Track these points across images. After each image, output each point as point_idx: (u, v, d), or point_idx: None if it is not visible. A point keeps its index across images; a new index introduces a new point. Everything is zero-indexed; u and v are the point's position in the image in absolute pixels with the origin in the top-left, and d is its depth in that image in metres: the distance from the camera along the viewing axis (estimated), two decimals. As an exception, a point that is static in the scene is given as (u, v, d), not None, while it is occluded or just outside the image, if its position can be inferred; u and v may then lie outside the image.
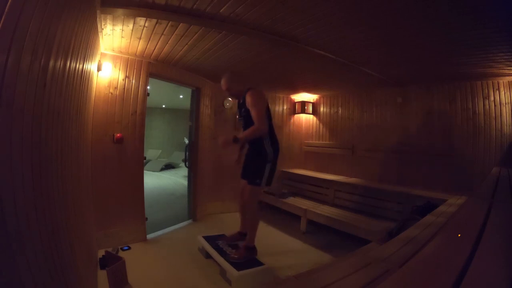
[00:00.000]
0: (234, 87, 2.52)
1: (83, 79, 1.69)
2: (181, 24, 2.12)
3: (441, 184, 3.30)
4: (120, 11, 1.93)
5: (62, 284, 0.97)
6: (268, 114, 2.46)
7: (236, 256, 2.37)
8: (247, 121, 2.43)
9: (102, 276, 2.15)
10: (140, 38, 2.45)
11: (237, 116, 2.66)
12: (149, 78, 3.16)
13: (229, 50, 2.68)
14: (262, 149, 2.44)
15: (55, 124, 0.99)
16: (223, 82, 2.53)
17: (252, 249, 2.49)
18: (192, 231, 3.51)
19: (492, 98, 3.06)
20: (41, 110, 0.81)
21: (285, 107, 5.15)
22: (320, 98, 5.09)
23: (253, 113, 2.32)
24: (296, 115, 5.25)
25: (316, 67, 3.20)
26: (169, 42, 2.55)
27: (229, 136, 2.30)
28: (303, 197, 4.29)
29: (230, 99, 4.39)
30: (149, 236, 3.18)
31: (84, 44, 1.52)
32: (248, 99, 2.37)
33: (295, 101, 5.23)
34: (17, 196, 0.63)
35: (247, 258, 2.38)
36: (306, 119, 5.29)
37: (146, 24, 2.15)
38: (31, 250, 0.70)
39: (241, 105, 2.53)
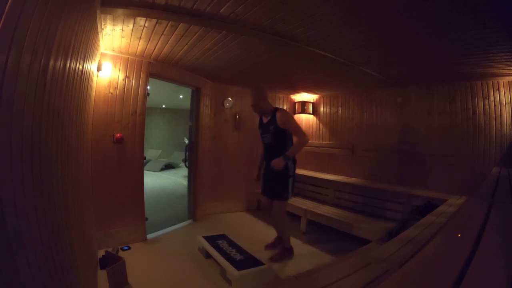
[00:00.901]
0: (262, 104, 2.72)
1: (83, 79, 1.69)
2: (181, 24, 2.12)
3: (441, 184, 3.30)
4: (120, 11, 1.93)
5: (62, 284, 0.97)
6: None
7: (277, 258, 2.67)
8: (276, 137, 2.66)
9: (102, 276, 2.15)
10: (140, 38, 2.45)
11: (261, 134, 2.81)
12: (149, 78, 3.16)
13: (229, 50, 2.68)
14: (284, 165, 2.58)
15: (55, 124, 0.99)
16: (251, 98, 2.74)
17: (289, 250, 2.81)
18: (192, 231, 3.51)
19: (492, 98, 3.06)
20: (41, 110, 0.81)
21: (285, 107, 5.15)
22: (320, 98, 5.09)
23: (292, 129, 2.63)
24: (296, 115, 5.24)
25: (316, 67, 3.20)
26: (169, 42, 2.54)
27: (279, 158, 2.52)
28: (303, 197, 4.29)
29: (230, 99, 4.40)
30: (149, 236, 3.18)
31: (84, 44, 1.52)
32: (282, 118, 2.61)
33: (295, 101, 5.23)
34: (17, 196, 0.63)
35: (287, 258, 2.71)
36: (306, 119, 5.29)
37: (146, 24, 2.15)
38: (31, 250, 0.70)
39: (269, 123, 2.69)
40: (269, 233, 3.07)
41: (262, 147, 2.87)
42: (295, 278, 1.07)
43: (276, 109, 2.70)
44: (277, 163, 2.53)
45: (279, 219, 2.78)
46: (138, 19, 2.05)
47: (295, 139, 2.67)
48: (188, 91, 4.15)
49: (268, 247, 2.93)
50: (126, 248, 2.83)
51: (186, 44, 2.57)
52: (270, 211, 2.82)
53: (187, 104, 4.46)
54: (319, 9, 1.81)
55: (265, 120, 2.75)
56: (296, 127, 2.65)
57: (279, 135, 2.64)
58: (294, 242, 3.28)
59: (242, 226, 3.85)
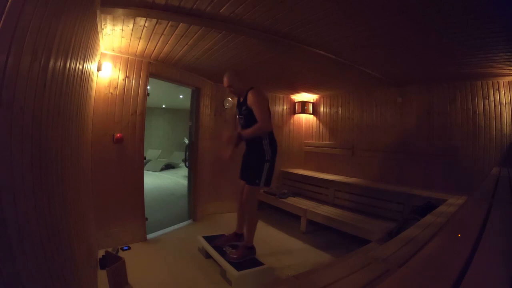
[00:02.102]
0: (236, 84, 2.50)
1: (83, 79, 1.69)
2: (181, 24, 2.12)
3: (441, 184, 3.30)
4: (120, 11, 1.93)
5: (62, 284, 0.97)
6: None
7: (235, 256, 2.37)
8: (248, 119, 2.42)
9: (102, 276, 2.15)
10: (140, 38, 2.45)
11: (237, 115, 2.64)
12: (149, 78, 3.16)
13: (229, 50, 2.68)
14: (261, 148, 2.43)
15: (55, 124, 0.99)
16: (225, 79, 2.52)
17: (251, 249, 2.49)
18: (192, 231, 3.51)
19: (492, 98, 3.06)
20: (41, 110, 0.81)
21: (285, 107, 5.15)
22: (320, 98, 5.09)
23: (256, 112, 2.34)
24: (296, 115, 5.25)
25: (316, 67, 3.20)
26: (169, 42, 2.54)
27: (234, 132, 2.33)
28: (303, 197, 4.29)
29: (230, 99, 4.40)
30: (149, 236, 3.18)
31: (84, 44, 1.52)
32: (251, 98, 2.37)
33: (295, 101, 5.23)
34: (17, 196, 0.63)
35: (246, 258, 2.39)
36: (306, 119, 5.29)
37: (146, 24, 2.15)
38: (31, 250, 0.70)
39: (242, 104, 2.50)
40: (269, 233, 3.07)
41: (239, 128, 2.64)
42: (295, 278, 1.07)
43: (251, 88, 2.45)
44: (228, 137, 2.39)
45: (247, 209, 2.49)
46: (138, 19, 2.05)
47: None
48: (188, 91, 4.15)
49: (221, 241, 2.68)
50: (126, 248, 2.83)
51: (186, 44, 2.57)
52: (240, 198, 2.62)
53: (187, 104, 4.46)
54: (319, 9, 1.81)
55: (241, 101, 2.56)
56: (261, 111, 2.33)
57: (251, 116, 2.37)
58: (294, 242, 3.29)
59: (242, 226, 3.84)
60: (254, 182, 2.43)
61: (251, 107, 2.37)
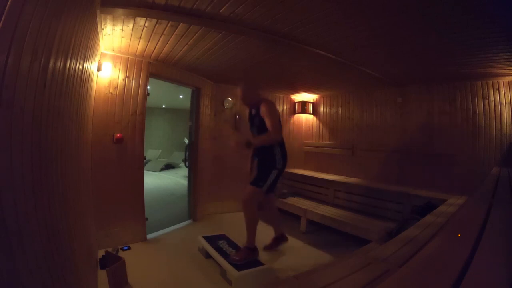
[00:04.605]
0: (249, 97, 2.61)
1: (83, 79, 1.69)
2: (181, 24, 2.12)
3: (441, 184, 3.30)
4: (120, 11, 1.93)
5: (62, 284, 0.97)
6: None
7: (237, 258, 2.35)
8: (260, 130, 2.51)
9: (102, 276, 2.15)
10: (140, 38, 2.45)
11: (250, 127, 2.73)
12: (149, 78, 3.16)
13: (229, 50, 2.68)
14: (271, 155, 2.52)
15: (55, 124, 0.99)
16: (239, 91, 2.65)
17: (253, 250, 2.49)
18: (192, 231, 3.51)
19: (492, 98, 3.06)
20: (41, 110, 0.81)
21: (285, 107, 5.15)
22: (320, 98, 5.09)
23: (268, 123, 2.42)
24: (296, 115, 5.25)
25: (316, 67, 3.20)
26: (169, 42, 2.54)
27: (242, 139, 2.41)
28: (303, 197, 4.29)
29: (230, 99, 4.40)
30: (149, 236, 3.18)
31: (84, 44, 1.52)
32: (263, 109, 2.46)
33: (295, 101, 5.23)
34: (17, 196, 0.63)
35: (248, 259, 2.38)
36: (306, 119, 5.29)
37: (146, 24, 2.15)
38: (31, 250, 0.70)
39: (255, 115, 2.59)
40: (269, 233, 3.07)
41: None
42: (295, 278, 1.07)
43: (262, 100, 2.56)
44: (236, 144, 2.45)
45: (246, 210, 2.50)
46: (138, 19, 2.05)
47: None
48: (188, 91, 4.15)
49: (267, 248, 2.88)
50: (126, 248, 2.83)
51: (186, 44, 2.57)
52: (263, 209, 2.70)
53: (187, 104, 4.46)
54: (319, 9, 1.81)
55: (253, 113, 2.65)
56: (272, 121, 2.41)
57: (263, 127, 2.45)
58: (295, 242, 3.29)
59: (242, 226, 3.82)
60: (258, 183, 2.49)
61: (263, 117, 2.46)
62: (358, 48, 2.51)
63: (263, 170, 2.53)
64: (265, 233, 3.25)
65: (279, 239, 2.90)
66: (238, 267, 2.22)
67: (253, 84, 2.67)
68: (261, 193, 2.53)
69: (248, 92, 2.60)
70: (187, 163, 4.10)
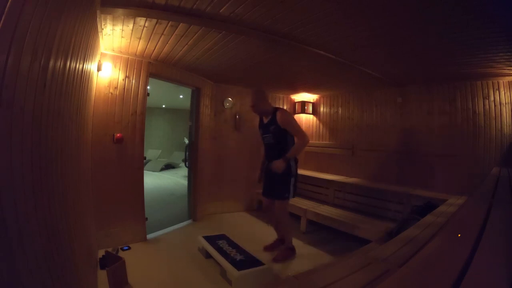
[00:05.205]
0: (260, 105, 2.70)
1: (83, 79, 1.69)
2: (181, 24, 2.12)
3: (441, 184, 3.30)
4: (120, 11, 1.93)
5: (62, 284, 0.97)
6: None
7: (280, 258, 2.65)
8: (277, 137, 2.64)
9: (102, 276, 2.15)
10: (140, 38, 2.45)
11: (262, 134, 2.80)
12: (149, 78, 3.16)
13: (229, 50, 2.68)
14: (287, 164, 2.59)
15: (55, 124, 0.99)
16: (251, 99, 2.73)
17: (292, 250, 2.79)
18: (192, 231, 3.51)
19: (492, 98, 3.06)
20: (41, 110, 0.81)
21: (285, 107, 5.15)
22: (320, 98, 5.09)
23: (294, 130, 2.62)
24: (296, 115, 5.24)
25: (316, 67, 3.20)
26: (169, 42, 2.54)
27: (280, 160, 2.53)
28: (303, 197, 4.29)
29: (230, 99, 4.40)
30: (149, 236, 3.18)
31: (84, 44, 1.52)
32: (283, 118, 2.60)
33: (295, 101, 5.23)
34: (17, 196, 0.63)
35: (290, 258, 2.68)
36: (306, 119, 5.29)
37: (146, 24, 2.15)
38: (31, 250, 0.70)
39: (269, 123, 2.68)
40: (269, 233, 3.07)
41: (263, 148, 2.85)
42: (295, 278, 1.07)
43: (277, 109, 2.69)
44: (278, 165, 2.53)
45: (281, 220, 2.77)
46: (138, 19, 2.05)
47: (295, 138, 2.67)
48: (188, 91, 4.15)
49: (267, 248, 2.90)
50: (126, 248, 2.83)
51: (186, 44, 2.57)
52: (271, 212, 2.81)
53: (187, 104, 4.46)
54: (319, 9, 1.81)
55: (265, 120, 2.73)
56: (297, 127, 2.65)
57: (280, 135, 2.63)
58: (294, 242, 3.28)
59: (242, 226, 3.85)
60: (284, 196, 2.66)
61: (284, 127, 2.59)
62: (358, 48, 2.51)
63: (282, 182, 2.65)
64: (265, 233, 3.25)
65: (280, 243, 2.92)
66: (238, 267, 2.22)
67: (263, 93, 2.77)
68: (288, 202, 2.77)
69: (260, 101, 2.70)
70: (187, 163, 4.10)
